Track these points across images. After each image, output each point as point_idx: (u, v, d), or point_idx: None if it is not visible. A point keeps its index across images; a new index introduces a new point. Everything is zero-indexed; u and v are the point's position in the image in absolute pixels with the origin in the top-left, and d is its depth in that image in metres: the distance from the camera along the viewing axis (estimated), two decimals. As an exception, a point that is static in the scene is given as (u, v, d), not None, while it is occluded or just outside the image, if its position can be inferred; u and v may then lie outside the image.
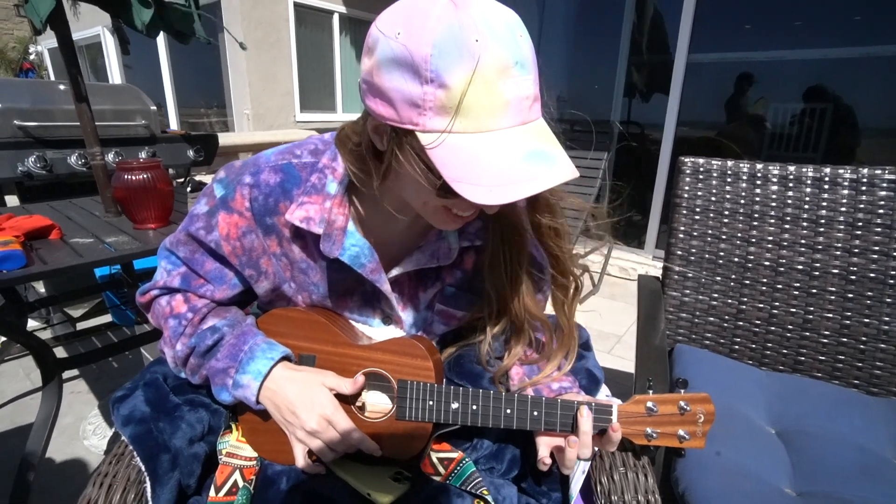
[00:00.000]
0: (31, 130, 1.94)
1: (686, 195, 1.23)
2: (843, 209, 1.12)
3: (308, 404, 0.63)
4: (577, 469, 0.66)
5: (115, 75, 7.03)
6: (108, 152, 2.09)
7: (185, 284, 0.69)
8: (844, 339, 1.12)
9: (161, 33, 1.53)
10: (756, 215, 1.18)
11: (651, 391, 0.64)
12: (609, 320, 2.68)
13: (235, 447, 0.71)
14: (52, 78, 8.77)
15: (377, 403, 0.67)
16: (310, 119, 5.68)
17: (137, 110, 2.31)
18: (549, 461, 0.64)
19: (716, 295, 1.22)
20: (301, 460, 0.65)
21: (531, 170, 0.47)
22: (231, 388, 0.65)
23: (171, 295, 0.71)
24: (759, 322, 1.19)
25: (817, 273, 1.14)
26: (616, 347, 2.40)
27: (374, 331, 0.73)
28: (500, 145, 0.47)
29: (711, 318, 1.23)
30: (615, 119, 3.55)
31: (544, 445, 0.65)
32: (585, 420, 0.61)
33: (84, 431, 1.69)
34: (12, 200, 2.08)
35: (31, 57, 8.94)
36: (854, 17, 2.71)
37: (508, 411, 0.64)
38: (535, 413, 0.63)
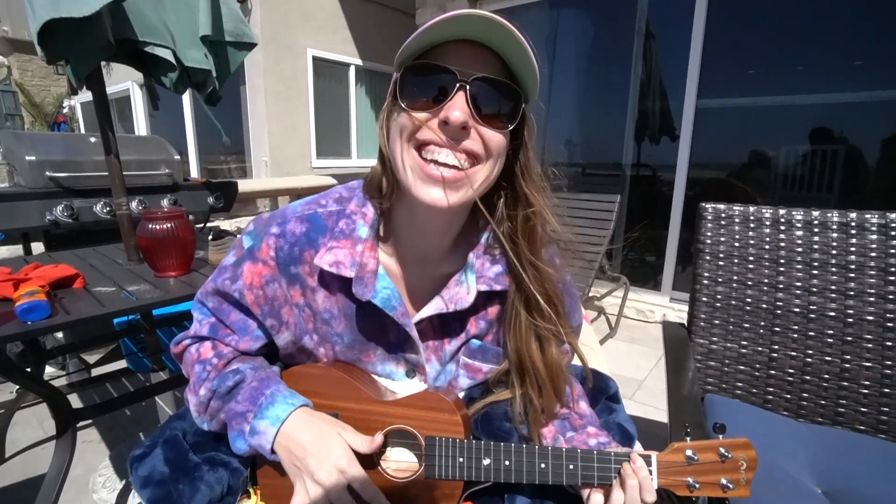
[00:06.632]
0: (62, 181, 2.01)
1: (709, 241, 1.22)
2: (874, 254, 1.09)
3: (322, 453, 0.59)
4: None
5: (140, 125, 7.38)
6: (132, 200, 2.14)
7: (213, 333, 0.70)
8: (887, 390, 1.06)
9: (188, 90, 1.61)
10: (782, 261, 1.16)
11: (689, 438, 0.60)
12: (629, 364, 2.61)
13: (254, 511, 0.68)
14: (83, 129, 9.22)
15: (403, 461, 0.64)
16: (325, 165, 5.85)
17: (162, 160, 2.39)
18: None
19: (745, 342, 1.18)
20: None
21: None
22: (247, 435, 0.62)
23: (200, 342, 0.71)
24: (792, 371, 1.14)
25: (851, 320, 1.10)
26: (638, 393, 2.32)
27: (398, 384, 0.71)
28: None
29: (742, 367, 1.18)
30: (626, 162, 3.59)
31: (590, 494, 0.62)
32: (636, 470, 0.58)
33: (94, 484, 1.65)
34: (38, 248, 2.13)
35: (65, 110, 9.47)
36: (855, 63, 2.76)
37: (543, 465, 0.61)
38: (571, 466, 0.60)
